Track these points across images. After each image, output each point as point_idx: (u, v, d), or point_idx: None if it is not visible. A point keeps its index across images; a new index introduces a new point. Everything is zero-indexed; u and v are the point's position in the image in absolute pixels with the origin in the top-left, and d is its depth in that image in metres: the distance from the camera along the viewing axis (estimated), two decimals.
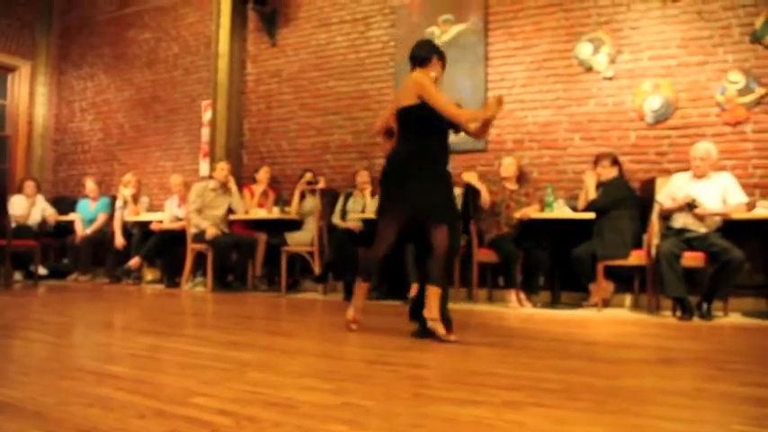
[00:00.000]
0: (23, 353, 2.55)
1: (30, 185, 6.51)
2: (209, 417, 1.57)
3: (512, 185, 4.85)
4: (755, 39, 4.42)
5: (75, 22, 8.20)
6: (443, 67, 3.20)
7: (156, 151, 7.26)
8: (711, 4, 4.57)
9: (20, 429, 1.46)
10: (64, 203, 7.12)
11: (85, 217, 6.65)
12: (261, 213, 5.66)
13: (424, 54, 3.13)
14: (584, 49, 4.96)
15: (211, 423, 1.52)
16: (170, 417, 1.57)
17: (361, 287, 3.16)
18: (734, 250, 3.75)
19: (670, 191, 4.20)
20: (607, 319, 3.88)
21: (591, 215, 4.36)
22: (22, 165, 7.82)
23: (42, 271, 6.36)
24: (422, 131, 3.01)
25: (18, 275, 6.33)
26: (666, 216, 4.24)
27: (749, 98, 4.41)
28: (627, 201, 4.36)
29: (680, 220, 4.13)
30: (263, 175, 5.98)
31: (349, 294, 4.89)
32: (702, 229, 4.01)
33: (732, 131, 4.47)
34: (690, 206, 3.99)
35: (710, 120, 4.54)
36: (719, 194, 4.03)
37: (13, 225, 5.86)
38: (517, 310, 4.38)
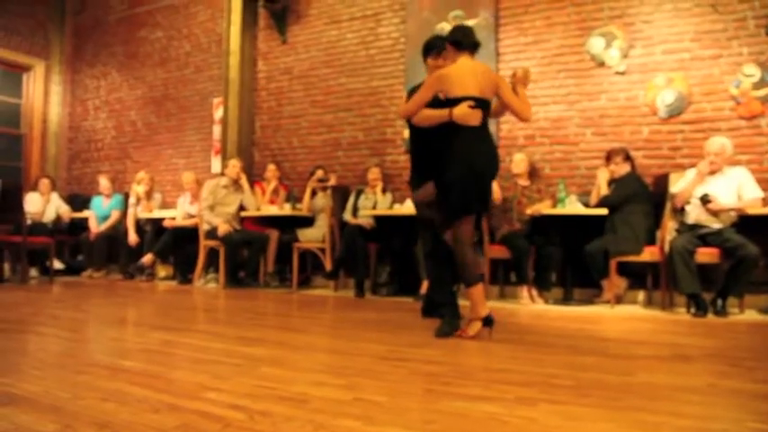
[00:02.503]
0: (38, 348, 2.59)
1: (44, 183, 6.59)
2: (222, 411, 1.59)
3: (523, 181, 4.82)
4: None
5: (89, 21, 8.27)
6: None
7: (169, 149, 7.31)
8: None
9: (36, 422, 1.48)
10: (78, 201, 7.20)
11: (99, 214, 6.72)
12: (272, 210, 5.69)
13: (476, 41, 3.02)
14: (595, 44, 4.92)
15: (224, 417, 1.53)
16: (183, 411, 1.59)
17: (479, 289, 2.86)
18: (749, 246, 3.70)
19: (684, 182, 4.16)
20: (620, 316, 3.86)
21: (603, 211, 4.33)
22: (36, 163, 7.92)
23: (58, 265, 6.44)
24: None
25: (33, 272, 6.41)
26: (680, 210, 4.20)
27: (764, 91, 4.35)
28: (639, 196, 4.32)
29: (693, 216, 4.09)
30: (270, 173, 6.01)
31: (360, 291, 4.91)
32: (717, 225, 3.97)
33: (747, 125, 4.41)
34: (703, 201, 3.95)
35: (725, 114, 4.48)
36: (734, 189, 3.98)
37: (29, 222, 5.93)
38: (529, 306, 4.36)
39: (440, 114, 2.87)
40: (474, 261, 2.89)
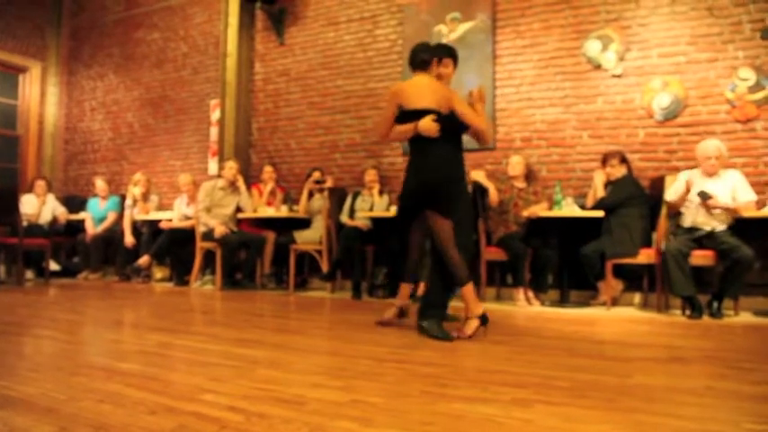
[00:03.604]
0: (35, 350, 2.58)
1: (40, 185, 6.57)
2: (219, 413, 1.59)
3: (520, 184, 4.84)
4: (767, 35, 4.38)
5: (85, 22, 8.26)
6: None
7: (165, 150, 7.31)
8: (722, 0, 4.53)
9: (32, 424, 1.48)
10: (74, 202, 7.19)
11: (95, 216, 6.70)
12: (269, 212, 5.68)
13: (427, 56, 3.19)
14: (592, 47, 4.94)
15: (221, 419, 1.53)
16: (180, 413, 1.59)
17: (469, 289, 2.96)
18: (743, 248, 3.72)
19: (678, 186, 4.17)
20: (616, 318, 3.87)
21: (599, 213, 4.35)
22: (33, 164, 7.90)
23: (54, 266, 6.42)
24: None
25: (29, 274, 6.39)
26: (676, 214, 4.21)
27: (760, 95, 4.37)
28: (636, 199, 4.33)
29: (689, 219, 4.10)
30: (267, 174, 6.01)
31: (357, 292, 4.91)
32: (712, 227, 3.98)
33: (742, 129, 4.44)
34: (703, 197, 3.95)
35: (720, 117, 4.50)
36: (729, 192, 4.00)
37: (25, 224, 5.91)
38: (525, 308, 4.37)
39: (407, 129, 3.08)
40: (461, 261, 2.98)
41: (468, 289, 2.93)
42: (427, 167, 3.06)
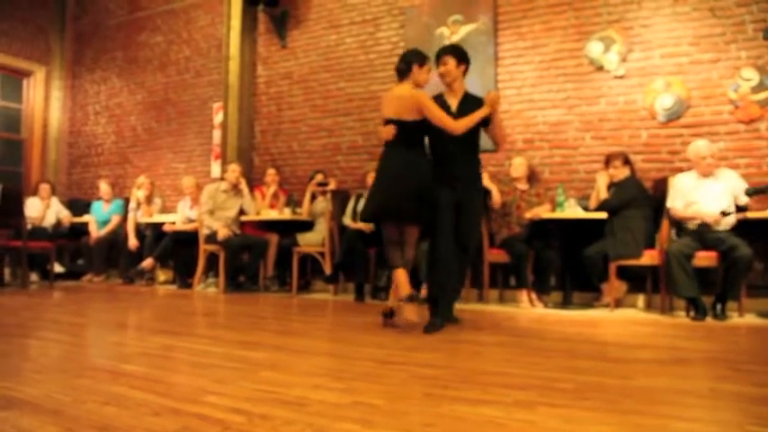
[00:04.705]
0: (39, 352, 2.59)
1: (44, 188, 6.60)
2: (222, 414, 1.59)
3: (522, 185, 4.83)
4: None
5: (89, 26, 8.30)
6: (429, 69, 3.40)
7: (168, 153, 7.33)
8: (724, 1, 4.53)
9: (37, 426, 1.49)
10: (78, 205, 7.21)
11: (99, 219, 6.73)
12: (272, 214, 5.69)
13: (403, 66, 3.33)
14: (594, 48, 4.94)
15: (224, 420, 1.53)
16: (183, 414, 1.59)
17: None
18: (742, 247, 3.71)
19: (677, 192, 4.15)
20: (619, 320, 3.86)
21: (602, 215, 4.34)
22: (37, 168, 7.94)
23: (59, 269, 6.46)
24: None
25: (34, 276, 6.42)
26: (680, 221, 4.19)
27: (763, 95, 4.37)
28: (639, 200, 4.32)
29: (695, 222, 4.07)
30: (269, 177, 6.02)
31: (360, 295, 4.92)
32: (718, 227, 3.97)
33: (746, 129, 4.43)
34: (726, 214, 3.95)
35: (723, 118, 4.49)
36: (729, 192, 4.00)
37: (29, 227, 5.94)
38: (528, 310, 4.37)
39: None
40: (393, 256, 3.25)
41: (400, 273, 3.19)
42: (389, 169, 3.28)
